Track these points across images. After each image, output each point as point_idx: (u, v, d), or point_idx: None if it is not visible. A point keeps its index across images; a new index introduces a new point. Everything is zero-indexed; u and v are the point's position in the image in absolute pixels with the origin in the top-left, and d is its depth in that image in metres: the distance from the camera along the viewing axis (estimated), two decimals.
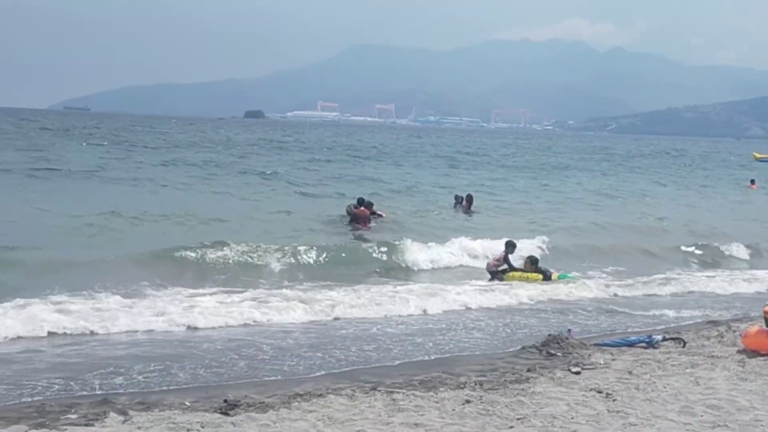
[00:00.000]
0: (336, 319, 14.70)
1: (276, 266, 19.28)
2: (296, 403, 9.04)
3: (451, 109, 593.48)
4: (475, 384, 10.16)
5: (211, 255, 19.05)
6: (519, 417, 8.75)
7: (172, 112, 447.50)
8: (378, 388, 9.82)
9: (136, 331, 12.96)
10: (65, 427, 8.07)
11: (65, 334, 12.55)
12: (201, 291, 15.98)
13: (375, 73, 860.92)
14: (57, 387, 9.86)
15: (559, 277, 19.73)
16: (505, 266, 20.06)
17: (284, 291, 16.27)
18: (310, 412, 8.71)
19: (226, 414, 8.60)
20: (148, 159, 50.68)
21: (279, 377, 10.75)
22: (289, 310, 14.72)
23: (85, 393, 9.59)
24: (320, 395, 9.40)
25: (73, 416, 8.52)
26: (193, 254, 18.92)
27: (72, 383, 10.01)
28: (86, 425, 8.18)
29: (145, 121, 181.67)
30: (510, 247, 20.49)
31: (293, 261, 19.81)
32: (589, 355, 12.02)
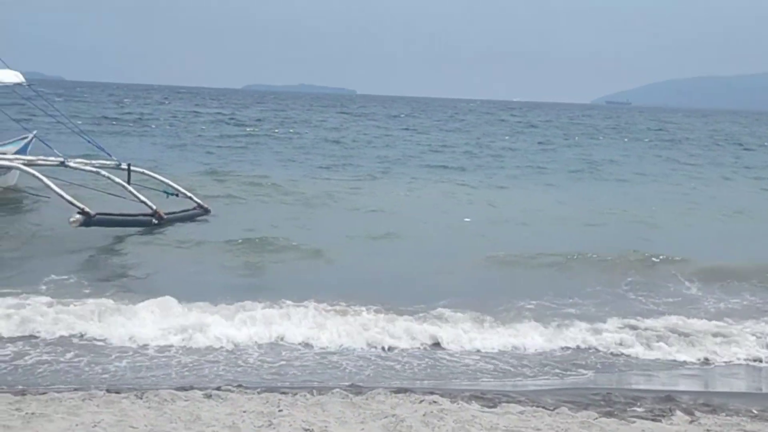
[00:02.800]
0: None
1: None
2: None
3: None
4: None
5: None
6: None
7: (712, 105, 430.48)
8: None
9: None
10: (633, 419, 8.28)
11: None
12: None
13: None
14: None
15: None
16: None
17: None
18: None
19: None
20: None
21: None
22: None
23: (649, 388, 9.83)
24: None
25: (639, 410, 8.71)
26: None
27: (637, 378, 10.37)
28: (653, 420, 8.30)
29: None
30: None
31: None
32: None
